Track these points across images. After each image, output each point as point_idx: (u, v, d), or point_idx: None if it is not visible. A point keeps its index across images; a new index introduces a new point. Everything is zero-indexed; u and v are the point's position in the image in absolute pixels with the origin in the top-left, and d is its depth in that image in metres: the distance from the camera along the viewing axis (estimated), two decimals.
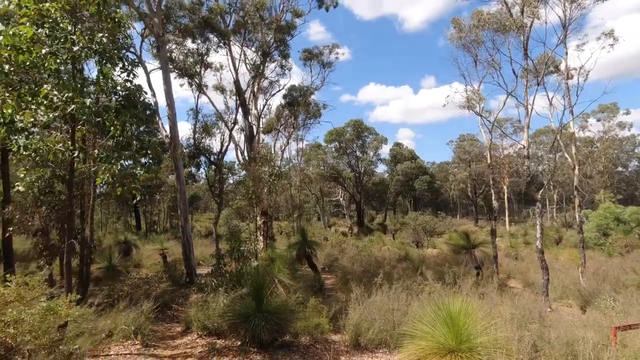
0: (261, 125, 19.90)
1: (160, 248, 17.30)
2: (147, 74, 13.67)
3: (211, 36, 17.15)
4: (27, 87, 5.83)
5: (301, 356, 6.89)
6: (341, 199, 51.87)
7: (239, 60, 17.61)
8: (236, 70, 16.79)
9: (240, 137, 17.64)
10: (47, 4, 5.93)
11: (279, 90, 23.07)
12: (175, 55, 16.93)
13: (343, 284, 13.79)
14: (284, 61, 19.84)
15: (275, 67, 20.86)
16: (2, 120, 5.13)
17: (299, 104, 23.76)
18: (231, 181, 28.51)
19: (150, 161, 7.25)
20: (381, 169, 62.65)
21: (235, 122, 16.13)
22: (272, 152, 22.10)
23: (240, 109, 16.64)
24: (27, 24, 5.70)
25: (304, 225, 23.54)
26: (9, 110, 5.30)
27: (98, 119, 6.33)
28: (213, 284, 8.41)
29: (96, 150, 6.30)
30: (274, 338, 6.90)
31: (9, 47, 5.53)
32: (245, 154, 16.52)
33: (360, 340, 7.26)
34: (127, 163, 7.19)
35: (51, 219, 8.26)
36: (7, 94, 5.39)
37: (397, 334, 6.73)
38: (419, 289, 10.04)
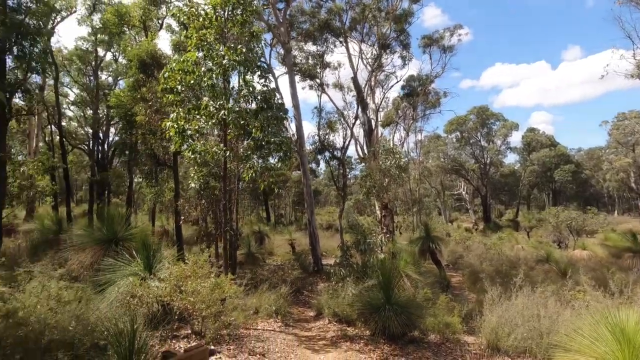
0: (379, 119, 19.95)
1: (289, 238, 18.91)
2: (275, 79, 15.07)
3: (329, 36, 17.89)
4: (193, 102, 7.05)
5: (433, 354, 6.70)
6: (464, 193, 48.19)
7: (357, 56, 17.97)
8: (353, 67, 17.19)
9: (359, 132, 18.09)
10: (204, 31, 7.04)
11: (397, 82, 22.72)
12: (298, 60, 18.25)
13: (471, 283, 12.92)
14: (404, 51, 19.41)
15: (392, 60, 20.61)
16: (178, 130, 6.35)
17: (417, 94, 22.95)
18: (349, 176, 29.38)
19: (283, 156, 7.98)
20: (511, 158, 56.02)
21: (356, 117, 16.54)
22: (391, 145, 21.89)
23: (358, 104, 16.98)
24: (192, 49, 6.87)
25: (426, 220, 22.63)
26: (182, 122, 6.52)
27: (242, 122, 7.22)
28: (341, 273, 8.81)
29: (241, 150, 7.22)
30: (404, 332, 6.87)
31: (180, 71, 6.77)
32: (365, 147, 16.79)
33: (499, 345, 6.66)
34: (260, 161, 8.08)
35: (208, 210, 9.86)
36: (180, 109, 6.63)
37: (546, 344, 5.96)
38: (570, 296, 8.66)
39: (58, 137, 16.97)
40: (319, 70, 18.74)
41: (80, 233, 10.23)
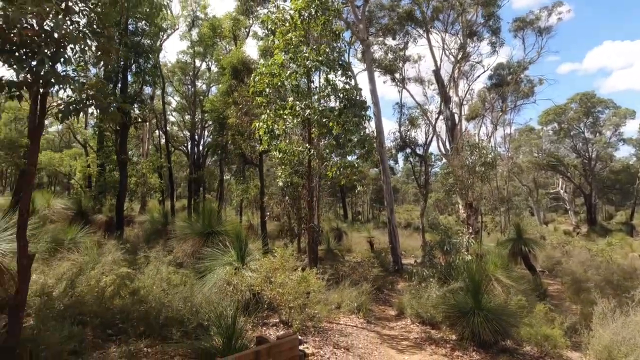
0: (463, 113, 18.77)
1: (368, 236, 18.84)
2: (354, 76, 15.13)
3: (409, 29, 17.32)
4: (279, 103, 7.45)
5: None
6: (562, 191, 42.89)
7: (440, 47, 17.12)
8: (435, 59, 16.44)
9: (441, 127, 17.19)
10: (290, 34, 7.39)
11: (484, 72, 21.09)
12: (376, 55, 18.05)
13: (573, 293, 11.54)
14: (493, 37, 17.88)
15: (478, 48, 19.21)
16: (267, 130, 6.78)
17: (507, 83, 20.99)
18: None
19: (365, 154, 8.01)
20: (624, 151, 48.18)
21: (440, 112, 15.70)
22: (476, 140, 20.42)
23: (441, 98, 16.14)
24: (278, 53, 7.26)
25: (517, 220, 20.64)
26: (269, 122, 6.94)
27: (324, 120, 7.38)
28: (424, 273, 8.54)
29: (323, 148, 7.40)
30: (495, 340, 6.42)
31: (268, 74, 7.21)
32: (447, 143, 15.93)
33: None
34: (340, 158, 8.17)
35: (291, 207, 10.33)
36: (268, 110, 7.07)
37: None
38: None
39: (164, 141, 19.31)
40: (399, 65, 18.23)
41: (182, 225, 11.53)
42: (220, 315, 5.17)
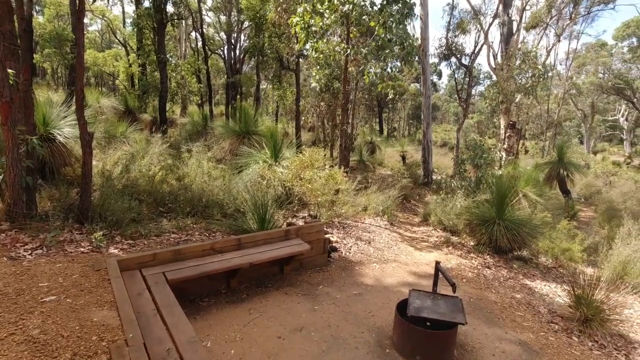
0: (524, 20, 16.47)
1: (401, 150, 18.91)
2: None
3: None
4: None
5: (540, 272, 6.52)
6: (622, 119, 39.16)
7: None
8: None
9: (494, 37, 15.47)
10: None
11: None
12: None
13: (604, 220, 11.42)
14: None
15: None
16: (303, 26, 6.53)
17: None
18: (473, 93, 26.33)
19: (406, 56, 7.60)
20: None
21: (495, 16, 13.80)
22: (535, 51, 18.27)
23: (500, 1, 14.17)
24: None
25: (561, 143, 19.53)
26: (307, 17, 6.64)
27: (364, 17, 6.91)
28: (453, 184, 8.69)
29: (364, 49, 7.09)
30: (511, 247, 6.73)
31: None
32: (498, 56, 14.50)
33: (625, 280, 6.06)
34: (381, 63, 7.82)
35: (326, 113, 10.37)
36: (306, 4, 6.70)
37: None
38: None
39: (201, 43, 18.96)
40: None
41: (220, 125, 12.03)
42: (255, 204, 5.74)
